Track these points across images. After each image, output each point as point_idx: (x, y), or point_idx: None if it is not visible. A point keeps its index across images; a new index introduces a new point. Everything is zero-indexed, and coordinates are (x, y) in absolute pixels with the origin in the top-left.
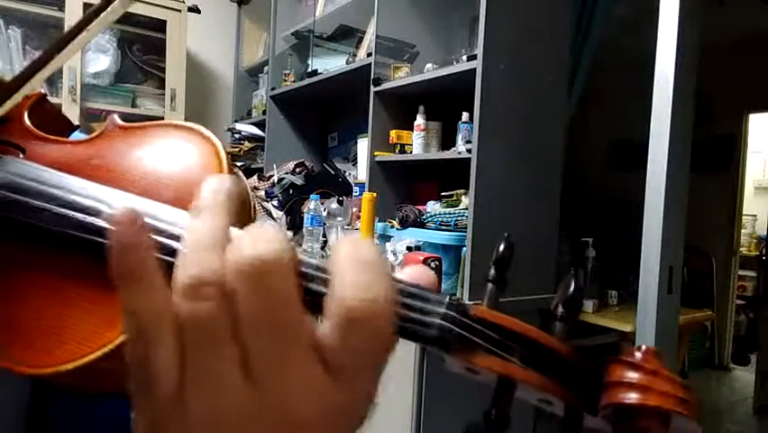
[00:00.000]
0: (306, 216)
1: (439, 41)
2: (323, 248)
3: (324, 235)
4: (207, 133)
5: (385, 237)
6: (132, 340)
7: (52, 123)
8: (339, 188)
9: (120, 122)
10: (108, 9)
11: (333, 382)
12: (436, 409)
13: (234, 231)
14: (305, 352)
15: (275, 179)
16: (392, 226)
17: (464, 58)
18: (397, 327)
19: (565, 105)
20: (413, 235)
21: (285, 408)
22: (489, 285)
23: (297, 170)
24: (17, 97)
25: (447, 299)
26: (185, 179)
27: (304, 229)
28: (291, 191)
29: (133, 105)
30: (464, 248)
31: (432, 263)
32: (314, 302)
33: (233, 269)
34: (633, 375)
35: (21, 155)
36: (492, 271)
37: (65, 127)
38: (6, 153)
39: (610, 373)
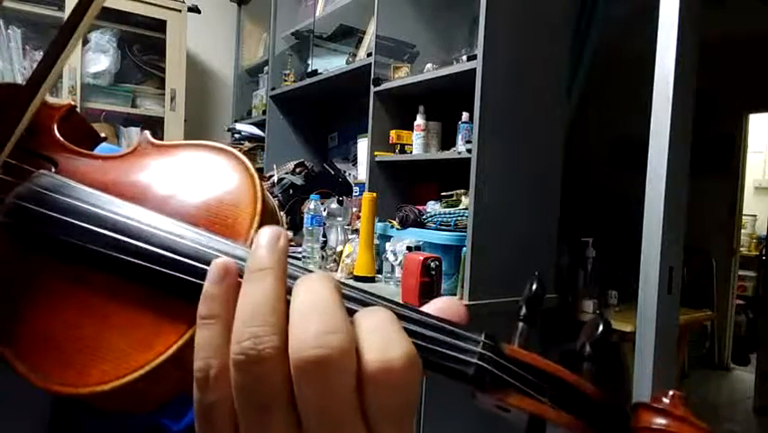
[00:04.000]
0: (306, 216)
1: (439, 41)
2: (323, 248)
3: (324, 235)
4: (239, 154)
5: (385, 237)
6: (198, 373)
7: (80, 135)
8: (339, 188)
9: (153, 139)
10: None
11: None
12: (437, 414)
13: (295, 299)
14: (356, 423)
15: (275, 179)
16: (392, 226)
17: (464, 58)
18: (436, 364)
19: (565, 105)
20: (413, 235)
21: None
22: (521, 324)
23: (297, 170)
24: (39, 99)
25: (483, 338)
26: (218, 200)
27: (304, 229)
28: (291, 191)
29: (133, 106)
30: (464, 248)
31: (432, 263)
32: None
33: (294, 364)
34: (661, 421)
35: (53, 169)
36: (524, 310)
37: (92, 139)
38: (39, 167)
39: (638, 419)
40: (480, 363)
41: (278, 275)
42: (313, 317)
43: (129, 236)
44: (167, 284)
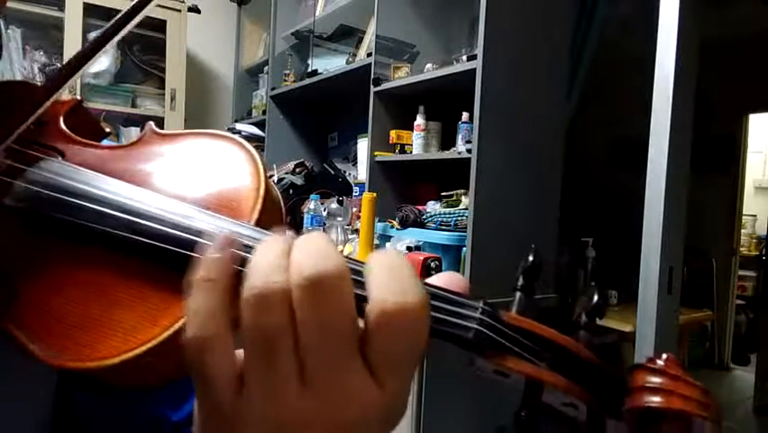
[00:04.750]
0: (306, 216)
1: (439, 41)
2: None
3: None
4: (242, 141)
5: (385, 237)
6: (191, 341)
7: (86, 128)
8: (339, 188)
9: (157, 129)
10: (143, 11)
11: (377, 386)
12: (437, 411)
13: (295, 244)
14: (356, 359)
15: (275, 179)
16: (392, 226)
17: (464, 58)
18: (436, 330)
19: (565, 105)
20: (413, 235)
21: (336, 413)
22: (518, 294)
23: (297, 170)
24: (48, 103)
25: (482, 304)
26: (223, 184)
27: (304, 229)
28: (291, 191)
29: (133, 106)
30: (464, 248)
31: (432, 263)
32: (357, 305)
33: (296, 286)
34: (656, 380)
35: (60, 158)
36: (521, 281)
37: (98, 133)
38: (46, 156)
39: (634, 379)
40: (478, 327)
41: (288, 238)
42: (311, 249)
43: (137, 216)
44: (175, 261)
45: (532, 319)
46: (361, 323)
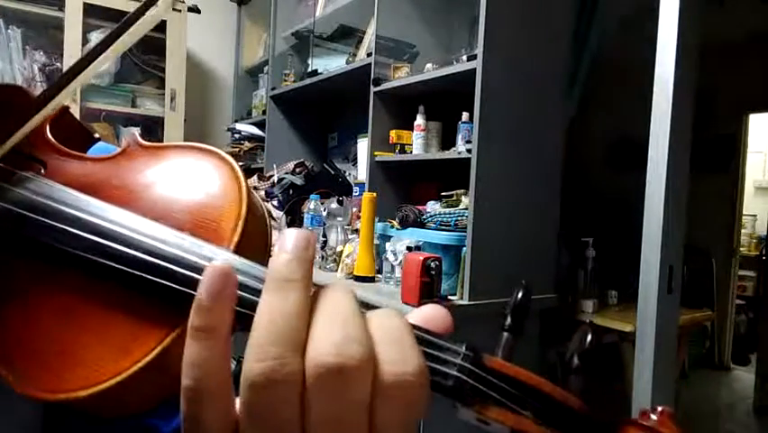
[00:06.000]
0: (306, 216)
1: (439, 41)
2: (323, 248)
3: (324, 235)
4: (227, 156)
5: (385, 237)
6: (188, 391)
7: (73, 135)
8: (339, 188)
9: (141, 141)
10: (140, 21)
11: None
12: (437, 412)
13: (316, 308)
14: None
15: (275, 179)
16: (392, 226)
17: (464, 58)
18: None
19: (565, 105)
20: (413, 235)
21: None
22: (505, 334)
23: (297, 170)
24: (46, 112)
25: (463, 349)
26: (203, 204)
27: (304, 228)
28: (291, 191)
29: (133, 106)
30: (464, 248)
31: (432, 263)
32: None
33: (311, 370)
34: None
35: (42, 170)
36: (509, 320)
37: (86, 140)
38: (28, 168)
39: None
40: (459, 374)
41: (306, 286)
42: (335, 326)
43: (110, 240)
44: (147, 289)
45: (518, 364)
46: None
